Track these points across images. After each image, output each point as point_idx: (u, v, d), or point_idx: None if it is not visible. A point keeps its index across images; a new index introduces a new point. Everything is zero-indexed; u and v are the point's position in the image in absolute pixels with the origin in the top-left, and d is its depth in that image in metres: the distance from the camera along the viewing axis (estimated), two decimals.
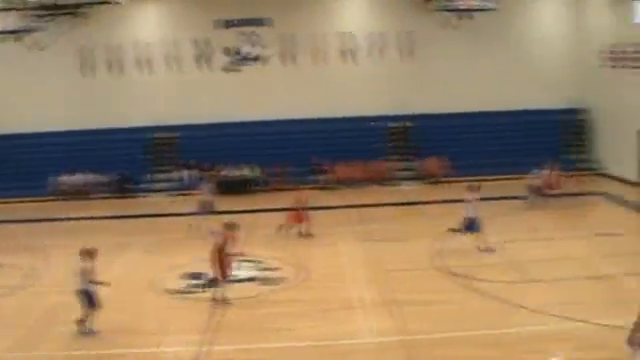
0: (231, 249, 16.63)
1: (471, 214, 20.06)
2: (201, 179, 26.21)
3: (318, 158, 30.76)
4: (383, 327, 14.72)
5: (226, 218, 18.78)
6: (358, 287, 17.48)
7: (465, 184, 21.41)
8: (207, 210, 23.06)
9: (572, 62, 33.46)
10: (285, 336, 14.39)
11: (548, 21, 33.94)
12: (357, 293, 17.01)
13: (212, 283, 16.65)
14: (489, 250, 19.86)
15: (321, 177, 30.67)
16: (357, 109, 32.17)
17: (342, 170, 31.16)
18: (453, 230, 20.54)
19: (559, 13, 34.01)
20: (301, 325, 14.97)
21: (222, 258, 16.21)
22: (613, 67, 30.37)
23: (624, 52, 29.39)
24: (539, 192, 25.75)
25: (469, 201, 20.21)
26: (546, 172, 26.14)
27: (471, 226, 20.04)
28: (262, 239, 22.32)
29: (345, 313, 15.70)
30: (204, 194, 23.57)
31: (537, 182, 25.83)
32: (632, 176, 29.13)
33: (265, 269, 19.17)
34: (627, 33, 29.13)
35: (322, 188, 29.98)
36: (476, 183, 21.13)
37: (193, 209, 23.37)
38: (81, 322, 14.51)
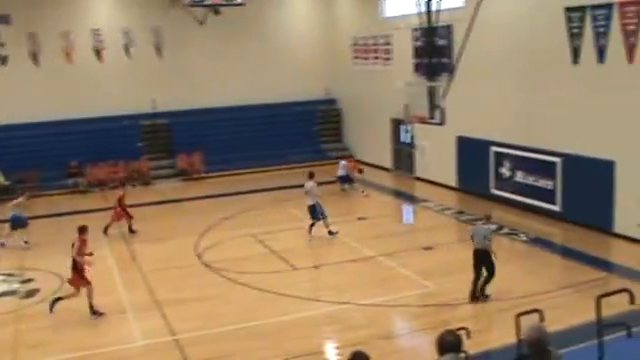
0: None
1: (312, 201, 20.52)
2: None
3: (72, 160, 29.52)
4: (154, 328, 14.38)
5: None
6: (124, 290, 16.92)
7: (306, 171, 22.09)
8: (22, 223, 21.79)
9: (326, 54, 34.81)
10: (47, 350, 13.56)
11: (301, 15, 34.95)
12: (124, 297, 16.47)
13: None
14: (332, 233, 20.49)
15: (77, 180, 29.36)
16: (110, 108, 30.99)
17: (98, 172, 30.03)
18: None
19: (311, 7, 35.13)
20: (65, 336, 14.23)
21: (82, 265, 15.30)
22: (365, 59, 31.93)
23: (375, 44, 31.00)
24: (349, 179, 26.89)
25: (309, 189, 20.75)
26: (346, 162, 27.43)
27: (313, 212, 20.48)
28: (13, 250, 21.06)
29: (113, 318, 15.12)
30: (16, 207, 21.78)
31: (345, 171, 26.92)
32: (386, 163, 30.82)
33: (23, 281, 17.98)
34: (376, 27, 30.79)
35: (82, 192, 28.72)
36: (312, 170, 21.97)
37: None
38: None
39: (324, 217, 20.56)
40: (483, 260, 14.86)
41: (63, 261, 19.18)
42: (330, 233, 20.55)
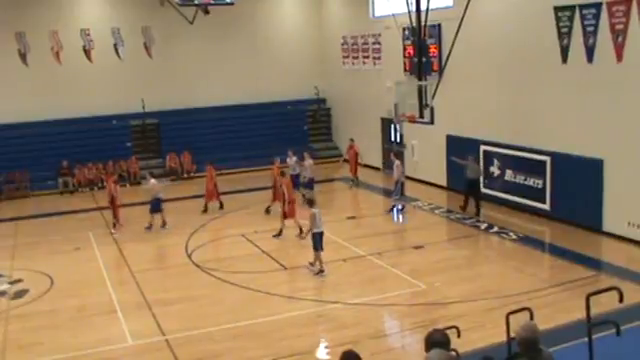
0: None
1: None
2: None
3: (62, 160, 29.32)
4: (144, 329, 14.34)
5: None
6: (114, 291, 16.82)
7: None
8: None
9: (316, 54, 34.82)
10: (37, 351, 13.48)
11: (290, 14, 34.87)
12: (113, 297, 16.37)
13: None
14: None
15: (67, 180, 29.23)
16: (99, 108, 30.82)
17: (88, 172, 29.88)
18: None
19: (301, 6, 35.08)
20: (55, 337, 14.15)
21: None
22: (355, 58, 31.92)
23: (365, 44, 31.00)
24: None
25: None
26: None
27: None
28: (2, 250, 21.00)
29: (103, 319, 15.08)
30: None
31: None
32: (377, 162, 30.80)
33: (11, 282, 17.89)
34: (365, 26, 30.79)
35: (71, 192, 28.65)
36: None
37: None
38: None
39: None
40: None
41: (53, 261, 19.30)
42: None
